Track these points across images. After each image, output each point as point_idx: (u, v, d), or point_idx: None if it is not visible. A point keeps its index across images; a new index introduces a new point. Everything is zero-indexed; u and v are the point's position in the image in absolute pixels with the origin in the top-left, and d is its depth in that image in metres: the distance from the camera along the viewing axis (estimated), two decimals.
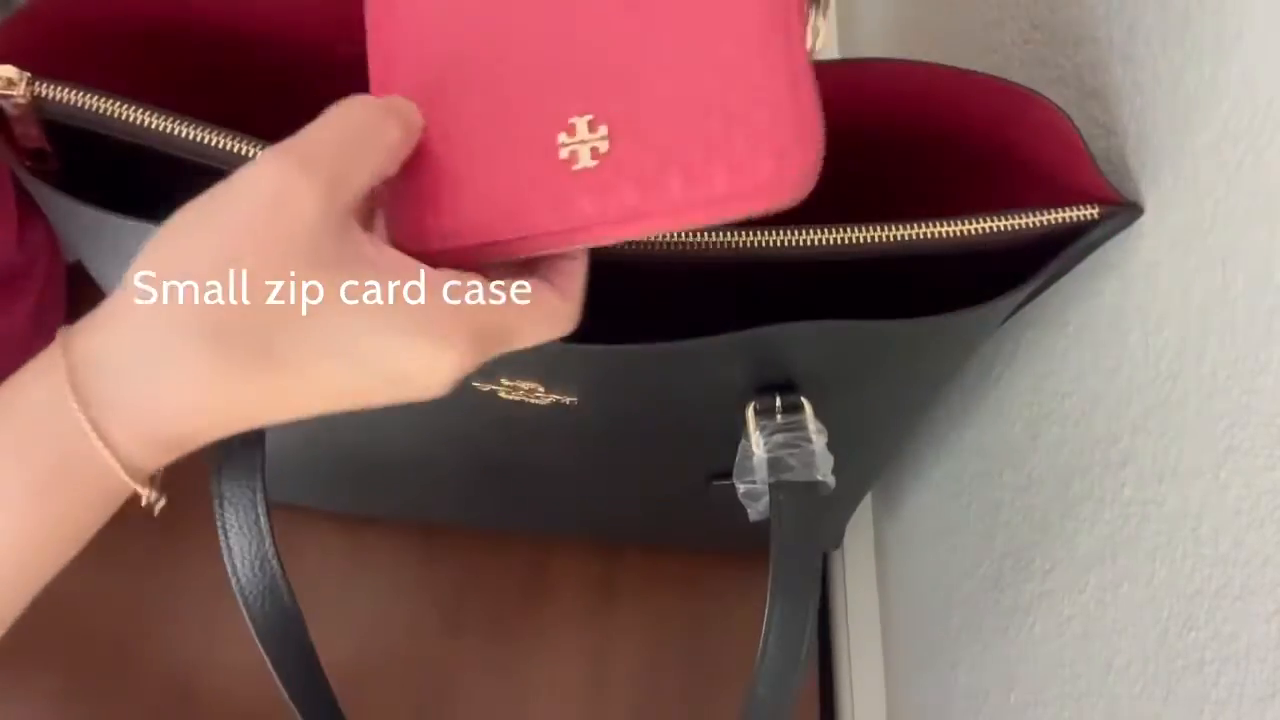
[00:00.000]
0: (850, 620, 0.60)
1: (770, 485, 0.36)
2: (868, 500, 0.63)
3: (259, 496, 0.35)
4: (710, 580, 0.58)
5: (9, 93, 0.32)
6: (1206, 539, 0.30)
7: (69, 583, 0.55)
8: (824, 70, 0.37)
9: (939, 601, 0.50)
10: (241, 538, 0.35)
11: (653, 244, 0.33)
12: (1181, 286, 0.32)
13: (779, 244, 0.33)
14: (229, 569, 0.35)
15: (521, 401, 0.39)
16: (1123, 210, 0.34)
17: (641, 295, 0.34)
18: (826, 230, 0.33)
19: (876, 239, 0.34)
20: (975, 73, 0.37)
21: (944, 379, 0.43)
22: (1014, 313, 0.41)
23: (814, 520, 0.36)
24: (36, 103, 0.33)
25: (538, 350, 0.34)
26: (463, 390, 0.38)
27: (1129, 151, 0.35)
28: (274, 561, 0.35)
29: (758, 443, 0.36)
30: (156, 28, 0.38)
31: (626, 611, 0.57)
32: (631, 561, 0.58)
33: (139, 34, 0.38)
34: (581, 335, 0.35)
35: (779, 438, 0.36)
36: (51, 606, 0.54)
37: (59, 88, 0.33)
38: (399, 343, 0.27)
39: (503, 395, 0.39)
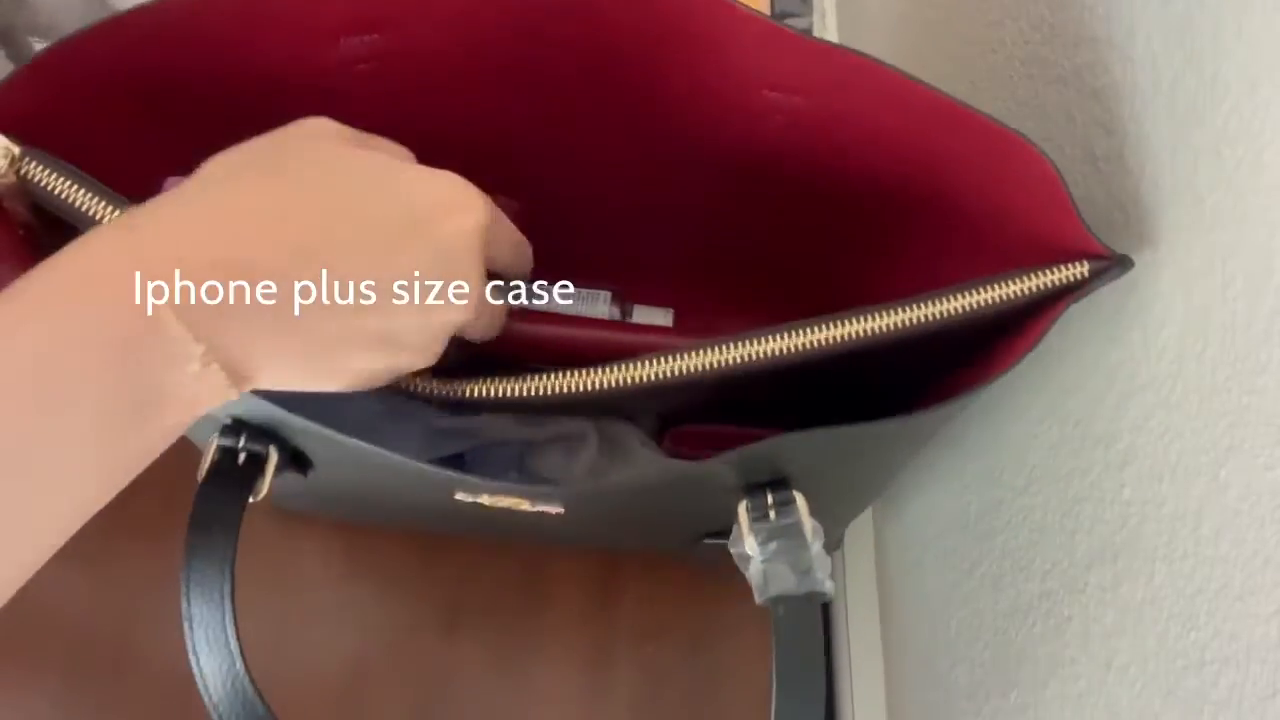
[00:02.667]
0: (850, 620, 0.60)
1: (769, 599, 0.35)
2: None
3: (228, 618, 0.34)
4: (710, 584, 0.58)
5: None
6: (1206, 539, 0.30)
7: (68, 593, 0.55)
8: (821, 62, 0.37)
9: (939, 601, 0.50)
10: (212, 660, 0.34)
11: (649, 368, 0.33)
12: (1182, 286, 0.32)
13: (762, 354, 0.32)
14: (200, 688, 0.34)
15: (508, 509, 0.39)
16: (1113, 265, 0.33)
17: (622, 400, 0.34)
18: (800, 333, 0.32)
19: (860, 333, 0.32)
20: (965, 108, 0.35)
21: (929, 442, 0.43)
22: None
23: (816, 629, 0.35)
24: (22, 183, 0.32)
25: (517, 484, 0.36)
26: (446, 497, 0.38)
27: (1129, 151, 0.35)
28: (245, 680, 0.34)
29: (752, 547, 0.36)
30: (160, 79, 0.38)
31: (626, 614, 0.57)
32: (631, 565, 0.58)
33: (144, 85, 0.37)
34: None
35: (774, 545, 0.35)
36: (50, 616, 0.55)
37: (45, 170, 0.31)
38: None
39: (486, 504, 0.39)
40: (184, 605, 0.34)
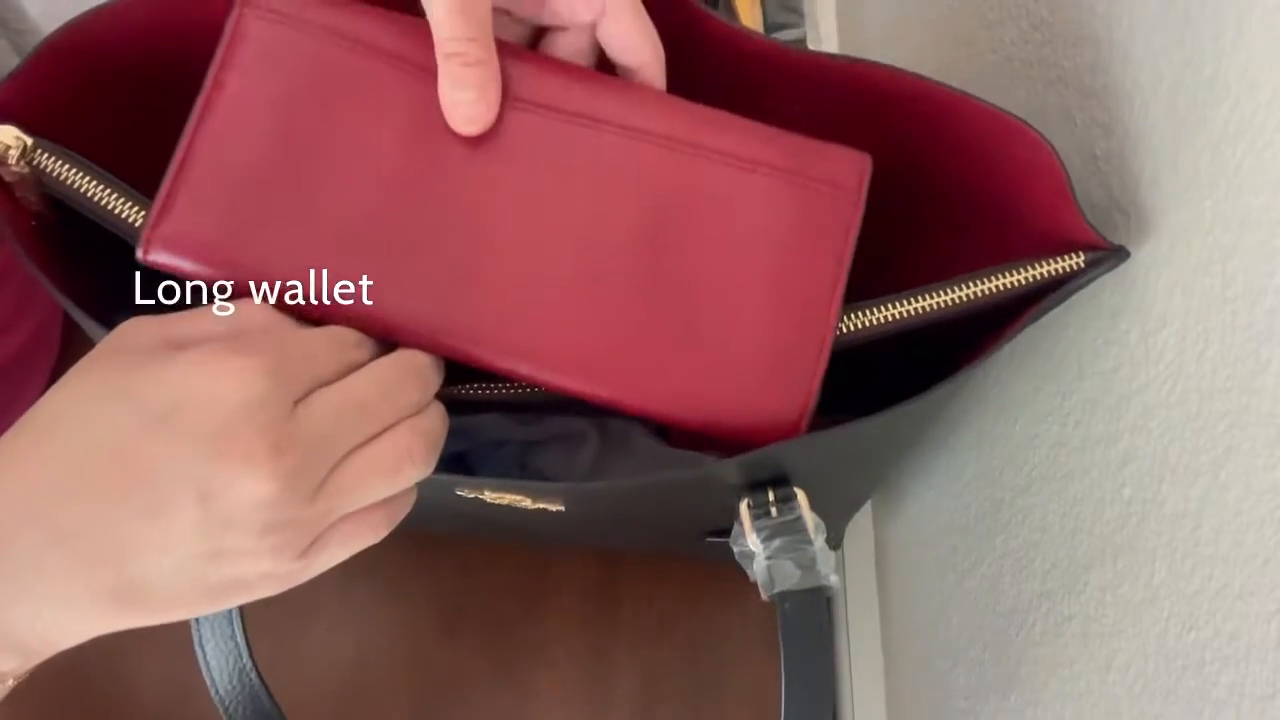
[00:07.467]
0: (850, 620, 0.60)
1: (774, 595, 0.35)
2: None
3: (234, 611, 0.35)
4: (710, 586, 0.58)
5: (5, 160, 0.31)
6: (1206, 539, 0.30)
7: None
8: (824, 68, 0.37)
9: (939, 601, 0.50)
10: (219, 653, 0.35)
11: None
12: (1182, 286, 0.32)
13: None
14: (207, 681, 0.35)
15: (510, 505, 0.39)
16: (1109, 256, 0.34)
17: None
18: None
19: (863, 325, 0.33)
20: (969, 97, 0.36)
21: (931, 425, 0.43)
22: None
23: (823, 623, 0.35)
24: (35, 174, 0.32)
25: (516, 480, 0.36)
26: (448, 494, 0.38)
27: (1129, 151, 0.35)
28: (252, 674, 0.35)
29: (755, 545, 0.36)
30: (172, 71, 0.37)
31: (626, 616, 0.57)
32: (631, 567, 0.58)
33: (155, 77, 0.37)
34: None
35: (777, 542, 0.35)
36: None
37: (57, 160, 0.31)
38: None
39: (489, 500, 0.39)
40: None
